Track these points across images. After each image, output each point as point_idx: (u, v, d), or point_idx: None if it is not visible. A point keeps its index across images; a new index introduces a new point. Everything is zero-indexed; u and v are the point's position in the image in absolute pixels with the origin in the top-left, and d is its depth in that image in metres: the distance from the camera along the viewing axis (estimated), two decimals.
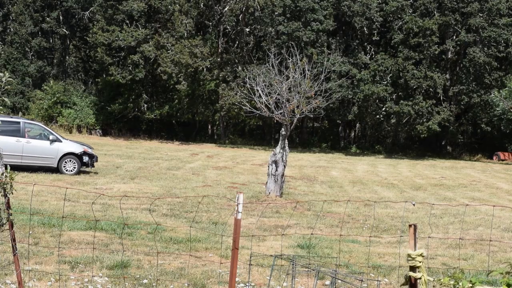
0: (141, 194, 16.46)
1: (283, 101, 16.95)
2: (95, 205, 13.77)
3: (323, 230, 12.65)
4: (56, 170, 20.60)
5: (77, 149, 20.96)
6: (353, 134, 53.65)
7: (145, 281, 7.82)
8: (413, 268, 4.61)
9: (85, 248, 9.46)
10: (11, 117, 22.04)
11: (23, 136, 20.39)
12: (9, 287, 7.20)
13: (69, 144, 21.15)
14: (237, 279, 7.86)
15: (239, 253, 5.89)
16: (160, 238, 10.71)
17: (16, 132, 20.32)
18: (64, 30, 55.24)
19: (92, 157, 21.12)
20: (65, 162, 20.77)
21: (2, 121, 20.10)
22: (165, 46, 45.38)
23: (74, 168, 20.77)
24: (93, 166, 21.30)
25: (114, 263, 8.56)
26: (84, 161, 20.83)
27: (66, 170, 20.65)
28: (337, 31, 48.17)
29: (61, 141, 20.90)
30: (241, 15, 46.86)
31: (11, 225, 5.78)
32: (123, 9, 44.94)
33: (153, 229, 11.25)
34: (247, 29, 48.15)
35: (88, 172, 21.37)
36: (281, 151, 17.04)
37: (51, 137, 20.74)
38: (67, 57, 58.05)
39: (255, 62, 44.69)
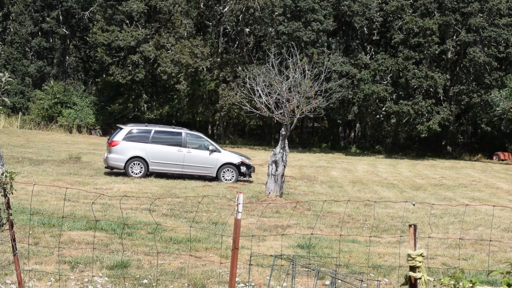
0: (141, 194, 16.46)
1: (283, 101, 16.95)
2: (95, 205, 13.77)
3: (323, 230, 12.65)
4: (215, 179, 21.29)
5: (235, 159, 21.61)
6: (353, 134, 53.65)
7: (145, 281, 7.82)
8: (413, 268, 4.61)
9: (85, 248, 9.46)
10: (173, 128, 22.92)
11: (185, 146, 21.19)
12: (9, 287, 7.20)
13: (228, 155, 21.82)
14: (237, 279, 7.86)
15: (239, 253, 5.89)
16: (160, 238, 10.71)
17: (178, 142, 21.17)
18: (64, 30, 55.27)
19: (249, 167, 21.68)
20: (224, 171, 21.44)
21: (165, 131, 21.49)
22: (165, 46, 45.39)
23: (232, 177, 21.37)
24: (250, 176, 21.94)
25: (114, 263, 8.56)
26: (241, 171, 21.46)
27: (225, 180, 21.29)
28: (337, 31, 48.17)
29: (220, 152, 21.62)
30: (241, 15, 46.86)
31: (11, 225, 5.78)
32: (123, 9, 44.94)
33: (153, 229, 11.25)
34: (247, 29, 48.15)
35: (244, 181, 21.80)
36: (281, 151, 17.04)
37: (210, 147, 21.49)
38: (67, 57, 58.08)
39: (255, 62, 44.69)
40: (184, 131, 21.82)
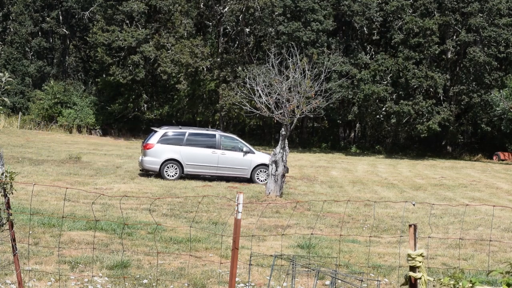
0: (141, 194, 16.46)
1: (283, 101, 16.95)
2: (95, 205, 13.77)
3: (323, 230, 12.66)
4: (249, 180, 21.48)
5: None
6: (353, 134, 53.64)
7: (145, 281, 7.82)
8: (413, 268, 4.61)
9: (85, 248, 9.46)
10: (207, 130, 23.13)
11: (219, 148, 21.38)
12: (9, 287, 7.20)
13: (262, 156, 22.02)
14: (237, 279, 7.86)
15: (239, 253, 5.89)
16: (160, 238, 10.72)
17: (212, 144, 21.39)
18: (64, 30, 55.27)
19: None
20: (258, 173, 21.61)
21: (199, 133, 21.76)
22: (165, 46, 45.38)
23: (267, 178, 21.20)
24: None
25: (114, 263, 8.56)
26: None
27: (259, 181, 21.47)
28: (337, 31, 48.16)
29: (254, 153, 21.84)
30: (241, 15, 46.85)
31: (11, 225, 5.78)
32: (123, 9, 44.92)
33: (153, 229, 11.25)
34: (247, 29, 48.14)
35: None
36: (281, 151, 17.04)
37: (244, 149, 21.67)
38: (67, 57, 58.06)
39: (255, 62, 44.68)
40: (218, 133, 22.11)
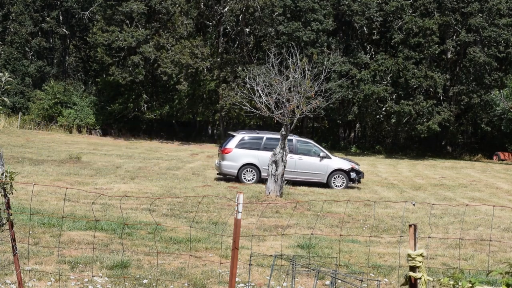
0: (141, 194, 16.46)
1: (283, 101, 16.95)
2: (95, 205, 13.77)
3: (323, 230, 12.66)
4: (326, 185, 21.60)
5: (345, 165, 21.90)
6: (353, 134, 53.64)
7: (145, 281, 7.82)
8: (413, 268, 4.62)
9: (85, 248, 9.46)
10: None
11: (296, 153, 21.56)
12: (9, 287, 7.20)
13: (338, 161, 22.14)
14: (237, 279, 7.86)
15: (239, 253, 5.90)
16: (160, 238, 10.72)
17: (289, 149, 21.27)
18: (64, 30, 55.27)
19: (359, 173, 21.91)
20: (334, 177, 21.74)
21: (276, 138, 21.60)
22: (165, 46, 45.37)
23: (343, 183, 21.67)
24: (359, 182, 22.15)
25: (114, 263, 8.56)
26: (351, 177, 21.68)
27: (336, 186, 21.61)
28: (337, 31, 48.15)
29: (330, 158, 21.97)
30: (241, 15, 46.85)
31: (11, 225, 5.78)
32: (123, 10, 44.91)
33: (153, 229, 11.25)
34: (247, 29, 48.13)
35: (354, 187, 21.95)
36: (281, 151, 17.04)
37: (321, 154, 21.82)
38: (67, 57, 58.07)
39: (255, 62, 44.68)
40: (295, 138, 22.28)
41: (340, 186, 21.54)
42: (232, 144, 21.46)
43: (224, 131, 49.38)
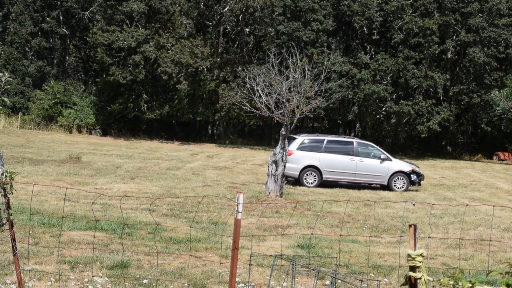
0: (141, 194, 16.46)
1: (283, 101, 16.95)
2: (95, 205, 13.77)
3: (323, 230, 12.66)
4: (387, 187, 21.70)
5: (406, 167, 21.99)
6: (353, 134, 53.61)
7: (145, 281, 7.82)
8: (413, 268, 4.62)
9: (85, 248, 9.46)
10: (344, 137, 23.62)
11: (357, 155, 21.72)
12: (9, 287, 7.20)
13: (399, 163, 22.30)
14: (237, 279, 7.86)
15: (239, 253, 5.90)
16: (160, 238, 10.72)
17: (350, 151, 21.79)
18: (64, 30, 55.27)
19: (419, 175, 21.99)
20: (395, 180, 21.79)
21: (337, 141, 22.27)
22: (165, 46, 45.37)
23: (403, 185, 21.73)
24: (419, 184, 22.14)
25: (114, 263, 8.56)
26: (412, 179, 21.75)
27: (397, 188, 21.66)
28: (337, 31, 48.16)
29: (391, 160, 22.06)
30: (241, 15, 46.85)
31: (11, 225, 5.78)
32: (123, 9, 44.92)
33: (153, 229, 11.25)
34: (247, 29, 48.13)
35: (413, 190, 21.99)
36: (281, 151, 17.03)
37: (382, 156, 21.89)
38: (67, 57, 58.07)
39: (255, 62, 44.68)
40: (355, 140, 22.45)
41: (401, 188, 21.61)
42: (293, 146, 21.54)
43: (224, 131, 49.42)
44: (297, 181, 21.57)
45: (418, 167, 22.67)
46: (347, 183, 21.91)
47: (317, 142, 21.90)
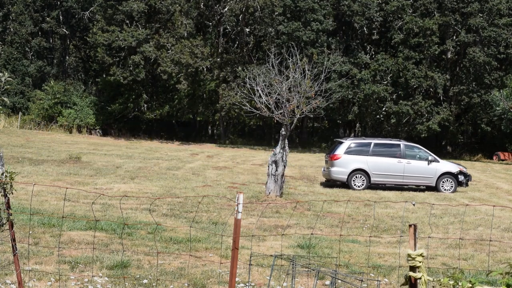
0: (141, 194, 16.46)
1: (283, 101, 16.95)
2: (95, 205, 13.77)
3: (323, 230, 12.66)
4: (434, 189, 21.73)
5: (454, 168, 22.02)
6: (353, 134, 53.60)
7: (145, 281, 7.82)
8: (413, 268, 4.62)
9: (85, 248, 9.46)
10: (391, 140, 23.68)
11: (404, 158, 21.76)
12: (9, 287, 7.20)
13: (446, 164, 22.35)
14: (237, 279, 7.86)
15: (239, 253, 5.90)
16: (160, 238, 10.71)
17: (397, 153, 21.88)
18: (64, 30, 55.25)
19: (466, 176, 22.00)
20: (443, 181, 21.81)
21: (384, 144, 22.46)
22: (165, 46, 45.37)
23: (452, 187, 21.75)
24: (467, 185, 22.15)
25: (114, 263, 8.56)
26: (459, 180, 21.77)
27: (444, 189, 21.68)
28: (337, 31, 48.16)
29: (438, 161, 22.08)
30: (241, 15, 46.86)
31: (11, 225, 5.78)
32: (123, 9, 44.92)
33: (153, 229, 11.25)
34: (247, 29, 48.14)
35: (462, 192, 22.04)
36: (281, 151, 17.03)
37: (429, 157, 21.92)
38: (67, 57, 58.06)
39: (255, 62, 44.68)
40: (402, 143, 22.56)
41: (449, 190, 21.62)
42: (341, 150, 21.72)
43: (224, 131, 49.42)
44: (344, 185, 21.73)
45: (465, 168, 22.77)
46: (394, 185, 22.08)
47: (364, 145, 22.10)
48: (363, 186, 21.37)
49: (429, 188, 21.96)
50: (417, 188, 22.33)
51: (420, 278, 4.56)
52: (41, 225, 10.93)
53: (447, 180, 21.73)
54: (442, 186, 21.68)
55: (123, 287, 7.58)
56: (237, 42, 50.43)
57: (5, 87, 6.35)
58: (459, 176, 21.72)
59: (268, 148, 42.28)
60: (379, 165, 21.56)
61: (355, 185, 21.35)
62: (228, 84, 45.74)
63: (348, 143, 22.08)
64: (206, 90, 48.05)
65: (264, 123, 49.53)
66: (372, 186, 21.74)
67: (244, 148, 44.37)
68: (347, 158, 21.50)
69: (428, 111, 43.83)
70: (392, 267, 9.31)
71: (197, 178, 21.66)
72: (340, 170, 21.41)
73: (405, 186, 22.14)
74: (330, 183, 22.31)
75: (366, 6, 45.29)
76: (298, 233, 11.92)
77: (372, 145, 21.99)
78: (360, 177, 21.44)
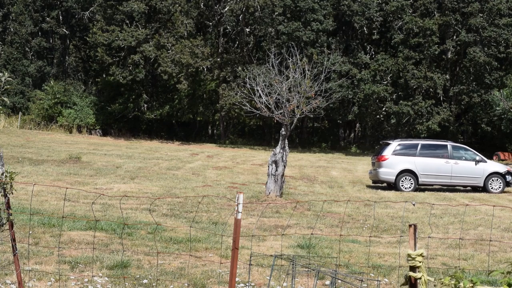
0: (141, 194, 16.46)
1: (283, 101, 16.95)
2: (95, 205, 13.77)
3: (323, 230, 12.65)
4: (483, 189, 21.90)
5: (501, 168, 22.23)
6: (353, 134, 53.64)
7: (145, 281, 7.82)
8: (413, 268, 4.61)
9: (85, 248, 9.46)
10: (438, 141, 23.76)
11: (451, 158, 21.89)
12: (9, 287, 7.20)
13: (494, 164, 22.64)
14: (237, 279, 7.86)
15: (239, 253, 5.89)
16: (160, 238, 10.71)
17: (444, 154, 21.99)
18: (64, 30, 55.25)
19: None
20: (491, 181, 21.94)
21: (431, 144, 22.56)
22: (166, 46, 45.37)
23: (499, 187, 21.90)
24: None
25: (114, 263, 8.56)
26: (507, 180, 21.93)
27: (492, 189, 21.80)
28: (337, 31, 48.16)
29: (485, 162, 22.25)
30: (241, 15, 46.86)
31: (11, 225, 5.78)
32: (123, 9, 44.91)
33: (153, 229, 11.24)
34: (247, 29, 48.15)
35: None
36: (281, 151, 17.03)
37: (477, 158, 22.07)
38: (67, 57, 58.05)
39: (255, 62, 44.68)
40: (449, 143, 22.66)
41: (497, 189, 21.72)
42: (388, 151, 21.87)
43: (224, 131, 49.43)
44: (391, 186, 21.81)
45: None
46: (443, 187, 22.20)
47: (412, 146, 22.26)
48: (411, 187, 21.49)
49: (472, 189, 22.18)
50: (432, 188, 22.39)
51: (420, 278, 4.56)
52: (41, 225, 10.93)
53: (495, 180, 21.86)
54: (490, 186, 21.81)
55: (123, 287, 7.58)
56: (237, 42, 50.44)
57: (5, 87, 6.35)
58: (507, 176, 21.86)
59: (268, 148, 42.29)
60: (427, 166, 21.69)
61: (403, 186, 21.48)
62: (228, 84, 45.74)
63: (396, 144, 22.23)
64: (206, 90, 48.06)
65: (264, 123, 49.53)
66: (420, 188, 21.89)
67: (244, 148, 44.37)
68: (394, 159, 21.66)
69: (428, 111, 43.83)
70: (392, 267, 9.30)
71: (197, 178, 21.66)
72: (388, 171, 21.56)
73: (453, 187, 22.26)
74: (377, 184, 22.48)
75: (366, 6, 45.29)
76: (298, 233, 11.92)
77: (419, 146, 22.17)
78: (408, 178, 21.58)
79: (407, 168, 21.53)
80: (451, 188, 22.33)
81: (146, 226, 11.44)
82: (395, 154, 21.77)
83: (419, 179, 21.59)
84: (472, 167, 21.89)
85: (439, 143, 22.87)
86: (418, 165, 21.59)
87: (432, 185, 22.11)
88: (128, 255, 9.17)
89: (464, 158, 22.14)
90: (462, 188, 22.49)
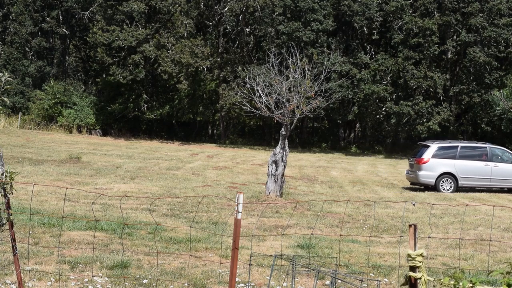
0: (141, 194, 16.46)
1: (283, 101, 16.94)
2: (95, 205, 13.77)
3: (323, 230, 12.65)
4: None
5: None
6: (353, 134, 53.62)
7: (145, 281, 7.82)
8: (413, 268, 4.61)
9: (85, 248, 9.46)
10: (477, 143, 23.90)
11: (491, 160, 21.97)
12: (9, 287, 7.20)
13: None
14: (237, 279, 7.86)
15: (239, 253, 5.89)
16: (160, 238, 10.71)
17: (484, 156, 22.08)
18: (64, 30, 55.23)
19: None
20: None
21: (470, 147, 22.61)
22: (166, 46, 45.37)
23: None
24: None
25: (114, 263, 8.56)
26: None
27: None
28: (337, 31, 48.15)
29: None
30: (241, 15, 46.85)
31: (11, 225, 5.78)
32: (123, 9, 44.91)
33: (153, 229, 11.25)
34: (247, 29, 48.14)
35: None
36: (281, 151, 17.03)
37: None
38: (67, 57, 58.03)
39: (255, 62, 44.66)
40: (488, 146, 22.77)
41: None
42: (428, 154, 21.89)
43: (224, 131, 49.41)
44: (431, 188, 21.83)
45: None
46: (480, 188, 22.19)
47: (451, 149, 22.28)
48: (451, 189, 21.52)
49: (509, 190, 22.16)
50: (418, 188, 22.38)
51: (420, 278, 4.56)
52: (41, 225, 10.93)
53: None
54: None
55: (123, 287, 7.58)
56: (237, 42, 50.42)
57: (5, 87, 6.35)
58: None
59: (268, 148, 42.28)
60: (467, 168, 21.76)
61: (443, 188, 21.52)
62: (228, 84, 45.74)
63: (435, 146, 22.24)
64: (206, 90, 48.04)
65: (264, 123, 49.51)
66: (460, 189, 21.88)
67: (244, 148, 44.37)
68: (434, 162, 21.71)
69: (429, 111, 43.83)
70: (392, 267, 9.30)
71: (197, 178, 21.66)
72: (428, 174, 21.61)
73: (492, 189, 22.25)
74: (416, 186, 22.47)
75: (366, 6, 45.28)
76: (298, 233, 11.92)
77: (459, 148, 22.20)
78: (448, 180, 21.63)
79: (447, 171, 21.61)
80: (493, 190, 22.27)
81: (146, 226, 11.44)
82: (435, 157, 21.82)
83: (459, 182, 21.67)
84: (511, 169, 22.02)
85: (479, 145, 22.94)
86: (458, 168, 21.68)
87: (472, 187, 22.15)
88: (128, 255, 9.17)
89: (503, 160, 22.21)
90: (499, 190, 22.48)
